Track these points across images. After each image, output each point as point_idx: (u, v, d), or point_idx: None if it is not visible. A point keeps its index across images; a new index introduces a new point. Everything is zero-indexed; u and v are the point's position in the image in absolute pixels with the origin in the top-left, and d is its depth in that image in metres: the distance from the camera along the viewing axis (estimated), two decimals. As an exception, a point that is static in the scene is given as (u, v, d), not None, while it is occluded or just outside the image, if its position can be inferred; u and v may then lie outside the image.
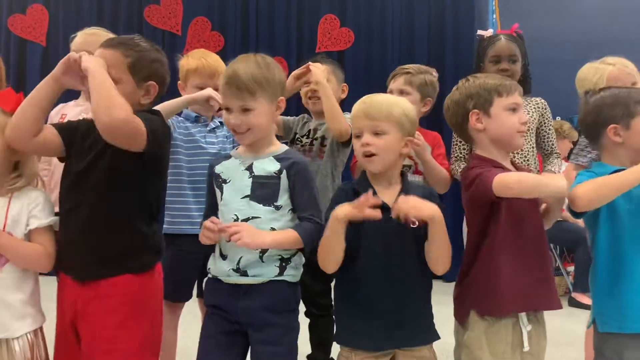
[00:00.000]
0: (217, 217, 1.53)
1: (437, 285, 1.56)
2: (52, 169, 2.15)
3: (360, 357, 1.48)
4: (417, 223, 1.44)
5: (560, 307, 1.53)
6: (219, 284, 1.53)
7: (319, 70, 2.10)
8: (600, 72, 2.18)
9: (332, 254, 1.46)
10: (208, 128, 2.12)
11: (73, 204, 1.51)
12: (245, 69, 1.48)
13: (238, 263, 1.49)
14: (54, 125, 1.57)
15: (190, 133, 2.06)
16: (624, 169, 1.47)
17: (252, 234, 1.43)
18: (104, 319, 1.49)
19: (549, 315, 1.58)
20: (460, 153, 2.21)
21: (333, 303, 1.63)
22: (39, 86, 1.52)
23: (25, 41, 4.81)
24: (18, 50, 4.78)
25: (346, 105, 2.08)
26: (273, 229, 1.49)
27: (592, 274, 1.57)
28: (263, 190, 1.50)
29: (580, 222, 1.96)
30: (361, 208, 1.37)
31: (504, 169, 1.51)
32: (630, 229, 1.49)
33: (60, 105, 2.27)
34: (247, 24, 4.89)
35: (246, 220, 1.49)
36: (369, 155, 1.50)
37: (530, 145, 2.25)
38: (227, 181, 1.54)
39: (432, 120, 4.46)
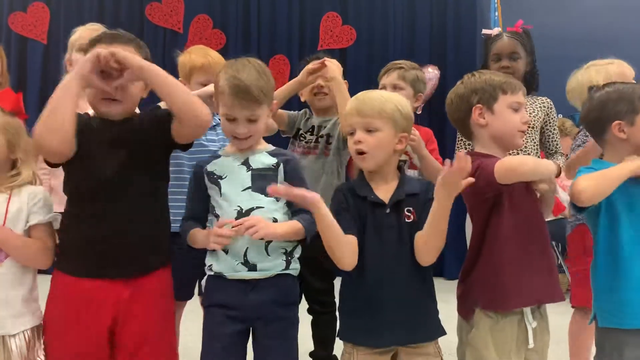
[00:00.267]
0: (202, 222, 1.58)
1: (438, 282, 1.56)
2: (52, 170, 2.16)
3: (363, 354, 1.48)
4: (412, 217, 1.45)
5: (564, 299, 1.53)
6: (222, 281, 1.53)
7: (335, 66, 2.11)
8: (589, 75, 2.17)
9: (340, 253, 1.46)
10: None
11: (109, 199, 1.47)
12: (251, 80, 1.50)
13: (245, 256, 1.50)
14: None
15: None
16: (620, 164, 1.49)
17: (267, 226, 1.47)
18: (151, 314, 1.52)
19: (550, 312, 1.58)
20: (466, 148, 2.21)
21: (337, 300, 1.64)
22: (66, 87, 1.40)
23: (26, 39, 4.81)
24: (19, 48, 4.79)
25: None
26: (275, 219, 1.53)
27: (592, 270, 1.58)
28: (263, 182, 1.53)
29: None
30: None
31: None
32: (628, 226, 1.50)
33: None
34: (248, 22, 4.89)
35: (250, 210, 1.51)
36: (361, 152, 1.50)
37: (534, 143, 2.25)
38: (223, 177, 1.55)
39: (434, 117, 4.49)
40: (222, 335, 1.53)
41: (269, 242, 1.52)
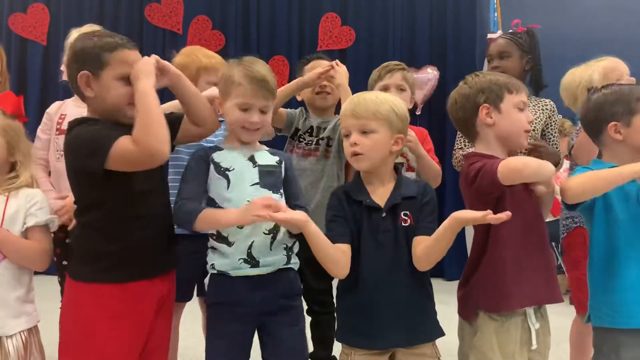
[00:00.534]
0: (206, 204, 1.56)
1: (438, 283, 1.56)
2: (49, 158, 2.17)
3: (360, 355, 1.48)
4: (409, 221, 1.45)
5: (562, 300, 1.53)
6: (226, 279, 1.53)
7: (343, 72, 2.12)
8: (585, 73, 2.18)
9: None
10: None
11: (144, 202, 1.48)
12: (265, 72, 1.57)
13: (249, 249, 1.51)
14: None
15: None
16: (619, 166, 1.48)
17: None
18: (173, 304, 1.60)
19: (550, 313, 1.58)
20: (466, 145, 2.21)
21: (335, 301, 1.64)
22: (151, 94, 1.39)
23: (26, 40, 4.82)
24: (19, 49, 4.79)
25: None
26: None
27: (588, 270, 1.59)
28: (270, 179, 1.58)
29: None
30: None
31: None
32: (624, 226, 1.50)
33: (58, 104, 2.27)
34: (247, 22, 4.90)
35: None
36: (357, 154, 1.50)
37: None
38: (231, 169, 1.56)
39: (434, 117, 4.49)
40: (227, 333, 1.53)
41: (274, 238, 1.53)
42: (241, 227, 1.50)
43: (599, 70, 2.13)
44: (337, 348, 1.76)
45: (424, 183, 1.59)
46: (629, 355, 1.46)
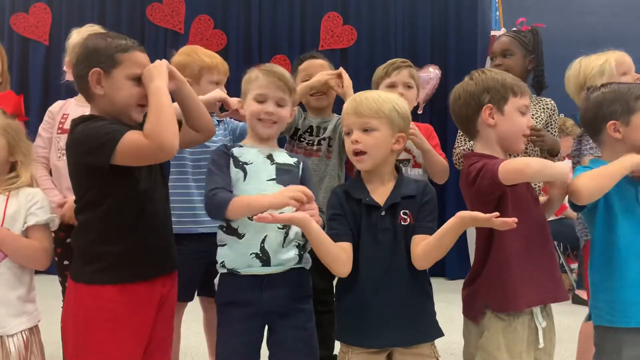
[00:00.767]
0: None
1: (440, 283, 1.56)
2: (50, 156, 2.17)
3: (358, 354, 1.48)
4: (408, 220, 1.45)
5: (568, 299, 1.52)
6: (236, 278, 1.53)
7: (349, 81, 2.17)
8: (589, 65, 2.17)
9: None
10: None
11: (148, 204, 1.49)
12: (286, 73, 1.66)
13: (263, 242, 1.50)
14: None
15: None
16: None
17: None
18: (174, 308, 1.60)
19: (553, 313, 1.58)
20: (466, 143, 2.21)
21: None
22: (165, 93, 1.43)
23: (28, 40, 4.82)
24: (21, 49, 4.79)
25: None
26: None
27: (589, 269, 1.59)
28: (287, 176, 1.59)
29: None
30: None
31: None
32: (624, 225, 1.50)
33: (60, 102, 2.27)
34: (249, 22, 4.89)
35: None
36: (359, 152, 1.50)
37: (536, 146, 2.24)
38: (249, 163, 1.58)
39: (435, 117, 4.48)
40: (237, 333, 1.53)
41: (287, 234, 1.53)
42: (251, 218, 1.46)
43: (614, 57, 2.10)
44: (338, 347, 1.75)
45: (424, 183, 1.58)
46: (630, 354, 1.46)
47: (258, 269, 1.51)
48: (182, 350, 2.19)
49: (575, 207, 1.52)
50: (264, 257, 1.51)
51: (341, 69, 2.18)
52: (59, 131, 2.17)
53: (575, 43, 4.11)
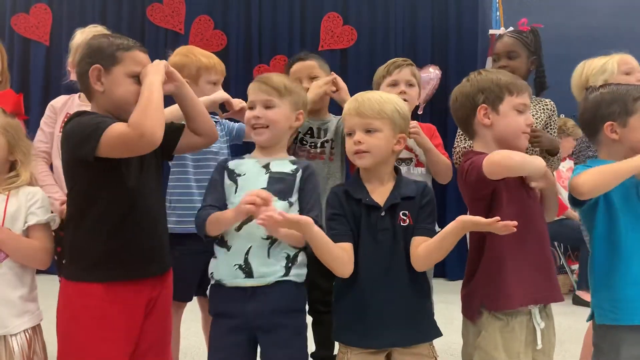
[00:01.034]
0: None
1: (440, 283, 1.56)
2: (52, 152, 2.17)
3: (356, 354, 1.48)
4: (407, 221, 1.45)
5: (562, 300, 1.53)
6: (223, 290, 1.53)
7: (344, 87, 2.15)
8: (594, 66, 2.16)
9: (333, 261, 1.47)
10: None
11: (139, 202, 1.49)
12: (277, 75, 1.66)
13: (246, 254, 1.49)
14: None
15: None
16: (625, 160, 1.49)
17: (277, 221, 1.40)
18: (168, 310, 1.60)
19: (553, 313, 1.58)
20: (465, 142, 2.21)
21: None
22: (157, 87, 1.45)
23: (28, 40, 4.82)
24: (21, 49, 4.79)
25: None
26: None
27: (589, 267, 1.58)
28: (279, 185, 1.55)
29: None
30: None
31: None
32: (625, 224, 1.50)
33: (64, 98, 2.27)
34: (249, 22, 4.89)
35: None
36: (359, 152, 1.50)
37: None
38: (242, 175, 1.57)
39: (436, 117, 4.48)
40: (225, 346, 1.53)
41: (272, 243, 1.51)
42: (238, 230, 1.49)
43: (618, 57, 2.11)
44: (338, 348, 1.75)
45: (423, 184, 1.58)
46: (629, 353, 1.46)
47: (241, 281, 1.49)
48: (182, 351, 2.19)
49: (574, 203, 1.51)
50: (246, 269, 1.49)
51: (334, 75, 2.15)
52: (61, 130, 2.18)
53: (576, 43, 4.12)
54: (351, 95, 2.11)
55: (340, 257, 1.45)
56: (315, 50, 4.59)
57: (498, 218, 1.30)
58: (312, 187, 1.58)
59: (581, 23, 4.52)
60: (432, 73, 4.62)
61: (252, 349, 1.54)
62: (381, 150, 1.50)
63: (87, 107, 2.17)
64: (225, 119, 2.08)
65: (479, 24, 4.71)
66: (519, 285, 1.45)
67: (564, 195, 3.22)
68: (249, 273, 1.49)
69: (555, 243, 4.17)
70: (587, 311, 1.63)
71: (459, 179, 1.54)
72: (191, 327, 2.27)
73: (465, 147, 2.23)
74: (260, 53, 4.86)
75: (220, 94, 1.97)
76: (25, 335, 1.53)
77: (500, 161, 1.40)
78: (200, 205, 1.97)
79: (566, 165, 3.95)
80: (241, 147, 2.29)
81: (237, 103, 1.91)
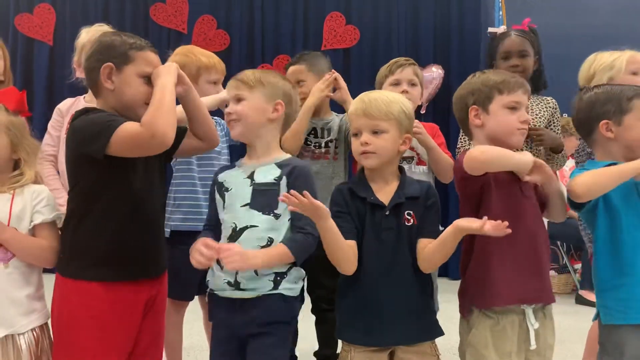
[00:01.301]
0: (219, 230, 1.56)
1: (442, 283, 1.57)
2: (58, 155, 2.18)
3: (359, 352, 1.48)
4: (412, 221, 1.46)
5: (553, 301, 1.52)
6: (217, 298, 1.53)
7: (345, 87, 2.15)
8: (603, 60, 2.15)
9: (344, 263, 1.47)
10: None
11: (141, 203, 1.49)
12: (249, 71, 1.59)
13: (236, 274, 1.48)
14: None
15: None
16: (615, 163, 1.49)
17: (242, 258, 1.41)
18: (164, 310, 1.60)
19: (556, 313, 1.58)
20: (467, 143, 2.21)
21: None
22: (170, 89, 1.45)
23: (32, 40, 4.84)
24: (25, 49, 4.80)
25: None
26: (271, 238, 1.48)
27: (593, 268, 1.58)
28: (263, 198, 1.50)
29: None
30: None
31: None
32: (627, 223, 1.50)
33: (70, 100, 2.28)
34: (252, 22, 4.90)
35: (244, 229, 1.48)
36: (366, 152, 1.51)
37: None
38: (229, 189, 1.55)
39: (438, 116, 4.48)
40: (218, 353, 1.54)
41: None
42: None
43: (628, 55, 2.09)
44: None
45: (427, 184, 1.59)
46: (633, 352, 1.46)
47: (230, 293, 1.49)
48: (185, 350, 2.19)
49: (573, 206, 1.52)
50: (234, 284, 1.48)
51: (334, 75, 2.14)
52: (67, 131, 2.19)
53: (578, 42, 4.11)
54: (353, 95, 2.13)
55: (348, 254, 1.45)
56: (318, 49, 4.59)
57: (486, 219, 1.32)
58: (300, 192, 1.49)
59: (583, 22, 4.52)
60: (435, 72, 4.62)
61: (243, 357, 1.51)
62: (387, 151, 1.51)
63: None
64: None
65: (482, 24, 4.71)
66: (505, 284, 1.45)
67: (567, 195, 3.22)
68: (237, 286, 1.48)
69: (558, 242, 4.17)
70: (590, 310, 1.63)
71: (454, 178, 1.56)
72: (194, 326, 2.28)
73: (468, 148, 2.24)
74: (263, 53, 4.87)
75: (221, 95, 1.98)
76: (33, 334, 1.53)
77: (476, 156, 1.42)
78: (204, 204, 2.00)
79: (569, 165, 3.95)
80: (243, 146, 2.30)
81: None
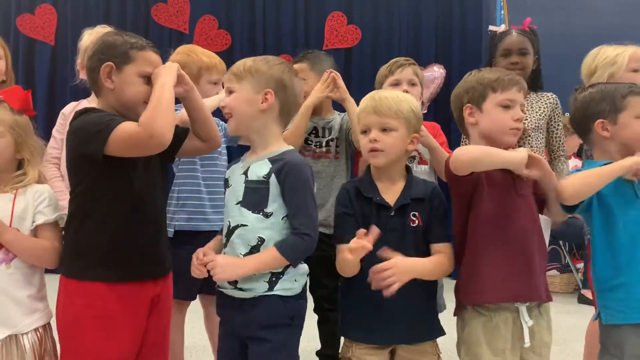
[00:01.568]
0: None
1: (444, 282, 1.56)
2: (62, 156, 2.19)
3: (361, 349, 1.49)
4: (417, 222, 1.47)
5: (544, 300, 1.52)
6: (221, 294, 1.53)
7: (343, 85, 2.13)
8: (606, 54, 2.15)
9: (348, 270, 1.48)
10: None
11: (144, 202, 1.50)
12: (241, 61, 1.53)
13: None
14: None
15: None
16: (611, 163, 1.49)
17: (227, 269, 1.41)
18: (169, 310, 1.61)
19: (558, 313, 1.58)
20: (467, 144, 2.22)
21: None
22: (169, 89, 1.44)
23: (34, 41, 4.84)
24: (27, 49, 4.81)
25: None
26: (261, 238, 1.44)
27: (592, 269, 1.58)
28: (253, 196, 1.46)
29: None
30: (360, 249, 1.38)
31: None
32: (625, 224, 1.49)
33: (73, 104, 2.30)
34: (254, 22, 4.90)
35: (235, 228, 1.46)
36: (375, 150, 1.51)
37: (540, 143, 2.24)
38: (230, 186, 1.54)
39: (440, 116, 4.48)
40: (223, 350, 1.55)
41: None
42: (225, 246, 1.50)
43: (631, 51, 2.09)
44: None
45: (433, 185, 1.59)
46: (633, 352, 1.46)
47: (230, 291, 1.48)
48: (187, 349, 2.19)
49: (564, 208, 1.51)
50: (232, 282, 1.47)
51: (332, 74, 2.13)
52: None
53: (579, 42, 4.10)
54: (354, 94, 2.13)
55: (353, 268, 1.45)
56: (320, 49, 4.59)
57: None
58: (292, 190, 1.44)
59: (585, 22, 4.51)
60: (437, 72, 4.62)
61: (244, 356, 1.51)
62: (395, 149, 1.51)
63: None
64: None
65: (483, 23, 4.71)
66: (494, 281, 1.46)
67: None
68: (235, 285, 1.47)
69: (560, 242, 4.16)
70: (591, 309, 1.63)
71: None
72: (196, 325, 2.28)
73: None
74: (265, 52, 4.85)
75: (221, 97, 1.99)
76: (36, 334, 1.53)
77: (458, 157, 1.43)
78: (207, 203, 2.02)
79: (571, 164, 3.95)
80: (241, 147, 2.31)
81: None
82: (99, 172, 1.43)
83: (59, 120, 2.28)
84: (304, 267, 1.52)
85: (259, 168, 1.47)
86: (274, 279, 1.45)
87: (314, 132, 2.23)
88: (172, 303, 1.64)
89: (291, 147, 1.54)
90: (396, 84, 2.13)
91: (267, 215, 1.45)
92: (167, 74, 1.46)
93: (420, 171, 2.14)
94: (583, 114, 1.60)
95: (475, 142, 1.57)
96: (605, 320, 1.52)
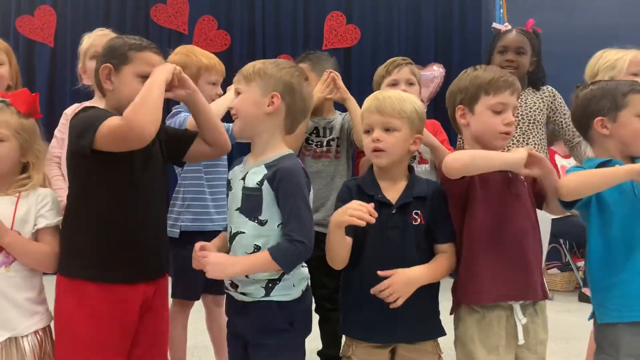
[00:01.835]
0: None
1: (445, 281, 1.57)
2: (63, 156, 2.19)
3: (361, 348, 1.50)
4: (419, 220, 1.47)
5: (541, 298, 1.52)
6: (229, 297, 1.54)
7: (343, 85, 2.13)
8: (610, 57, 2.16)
9: (336, 255, 1.48)
10: None
11: (142, 202, 1.50)
12: (255, 62, 1.52)
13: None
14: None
15: None
16: (610, 160, 1.49)
17: (217, 268, 1.40)
18: (165, 311, 1.61)
19: (559, 311, 1.58)
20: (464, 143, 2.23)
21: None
22: (158, 86, 1.44)
23: (33, 42, 4.84)
24: (26, 51, 4.81)
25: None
26: (257, 246, 1.43)
27: (587, 267, 1.58)
28: (249, 203, 1.44)
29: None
30: (358, 216, 1.37)
31: None
32: (621, 223, 1.49)
33: (76, 106, 2.30)
34: (253, 22, 4.90)
35: (236, 235, 1.46)
36: (378, 150, 1.51)
37: (539, 138, 2.25)
38: (231, 189, 1.53)
39: (439, 115, 4.48)
40: (231, 352, 1.56)
41: None
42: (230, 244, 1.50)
43: (632, 55, 2.10)
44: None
45: (435, 184, 1.59)
46: (628, 351, 1.46)
47: (233, 293, 1.49)
48: (189, 349, 2.20)
49: (562, 204, 1.51)
50: (234, 285, 1.48)
51: (331, 74, 2.13)
52: None
53: (580, 41, 4.11)
54: (354, 94, 2.14)
55: (345, 246, 1.46)
56: (319, 49, 4.59)
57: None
58: (285, 196, 1.40)
59: (585, 21, 4.51)
60: (436, 71, 4.62)
61: (247, 357, 1.52)
62: (398, 149, 1.51)
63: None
64: None
65: (483, 22, 4.71)
66: (489, 281, 1.46)
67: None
68: (236, 288, 1.48)
69: (561, 240, 4.17)
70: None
71: None
72: (198, 325, 2.28)
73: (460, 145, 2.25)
74: (265, 53, 4.87)
75: (225, 97, 1.99)
76: (36, 337, 1.53)
77: (450, 163, 1.42)
78: (211, 204, 2.04)
79: (572, 162, 3.95)
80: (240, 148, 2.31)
81: None
82: (92, 169, 1.45)
83: (62, 120, 2.29)
84: (303, 272, 1.51)
85: (256, 174, 1.45)
86: (270, 284, 1.44)
87: (315, 131, 2.23)
88: (173, 303, 1.65)
89: (289, 152, 1.51)
90: (394, 84, 2.13)
91: (262, 223, 1.43)
92: (160, 71, 1.46)
93: (421, 170, 2.15)
94: (583, 111, 1.60)
95: (468, 142, 1.57)
96: (600, 319, 1.52)
